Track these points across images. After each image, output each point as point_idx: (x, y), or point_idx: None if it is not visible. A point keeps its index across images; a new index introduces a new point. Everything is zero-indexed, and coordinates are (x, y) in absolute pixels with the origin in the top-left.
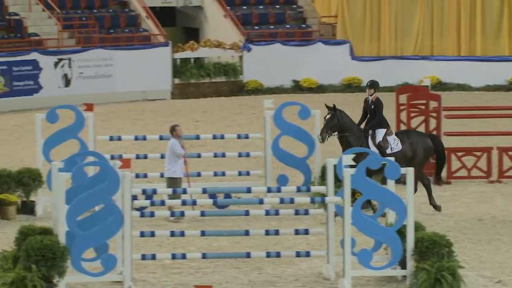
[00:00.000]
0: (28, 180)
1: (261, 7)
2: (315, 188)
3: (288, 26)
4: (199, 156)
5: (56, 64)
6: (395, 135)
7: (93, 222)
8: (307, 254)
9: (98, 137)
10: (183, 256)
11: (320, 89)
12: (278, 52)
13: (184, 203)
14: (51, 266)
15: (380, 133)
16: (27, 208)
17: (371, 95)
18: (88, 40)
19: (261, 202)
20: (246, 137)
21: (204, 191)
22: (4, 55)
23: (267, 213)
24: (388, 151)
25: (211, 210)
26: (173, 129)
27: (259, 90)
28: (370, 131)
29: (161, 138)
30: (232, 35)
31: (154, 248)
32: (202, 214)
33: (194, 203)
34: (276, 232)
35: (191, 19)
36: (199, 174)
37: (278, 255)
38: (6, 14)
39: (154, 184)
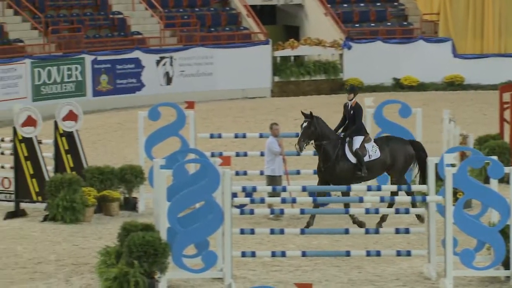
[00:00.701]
0: (131, 177)
1: (362, 4)
2: (415, 187)
3: (389, 23)
4: (298, 154)
5: (158, 62)
6: (374, 141)
7: (194, 219)
8: (408, 253)
9: (198, 135)
10: (283, 254)
11: (421, 87)
12: (378, 50)
13: (283, 201)
14: (153, 262)
15: (358, 140)
16: (129, 205)
17: (350, 100)
18: (189, 39)
19: (361, 200)
20: None
21: (304, 189)
22: (108, 54)
23: (367, 211)
24: (366, 158)
25: (311, 208)
26: (270, 128)
27: (359, 88)
28: (348, 138)
29: (261, 136)
30: (332, 33)
31: (254, 246)
32: (302, 212)
33: (293, 201)
34: (376, 231)
35: (292, 17)
36: (298, 172)
37: (378, 254)
38: (110, 13)
39: (254, 182)
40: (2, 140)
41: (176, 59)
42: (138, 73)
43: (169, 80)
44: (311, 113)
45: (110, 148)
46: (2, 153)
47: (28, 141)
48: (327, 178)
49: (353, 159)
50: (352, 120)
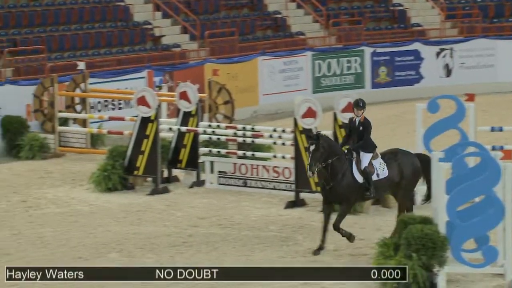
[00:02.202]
0: None
1: None
2: None
3: None
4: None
5: (437, 54)
6: (381, 157)
7: (473, 213)
8: None
9: (478, 128)
10: None
11: None
12: None
13: None
14: (431, 256)
15: (366, 157)
16: None
17: (358, 116)
18: (470, 30)
19: None
20: None
21: None
22: (387, 46)
23: None
24: (374, 177)
25: None
26: None
27: None
28: (355, 154)
29: None
30: None
31: None
32: None
33: None
34: None
35: None
36: None
37: None
38: (390, 5)
39: None
40: (284, 131)
41: (456, 50)
42: (417, 65)
43: (448, 72)
44: (317, 134)
45: (385, 140)
46: (283, 144)
47: (307, 132)
48: (330, 199)
49: (360, 179)
50: (361, 135)
